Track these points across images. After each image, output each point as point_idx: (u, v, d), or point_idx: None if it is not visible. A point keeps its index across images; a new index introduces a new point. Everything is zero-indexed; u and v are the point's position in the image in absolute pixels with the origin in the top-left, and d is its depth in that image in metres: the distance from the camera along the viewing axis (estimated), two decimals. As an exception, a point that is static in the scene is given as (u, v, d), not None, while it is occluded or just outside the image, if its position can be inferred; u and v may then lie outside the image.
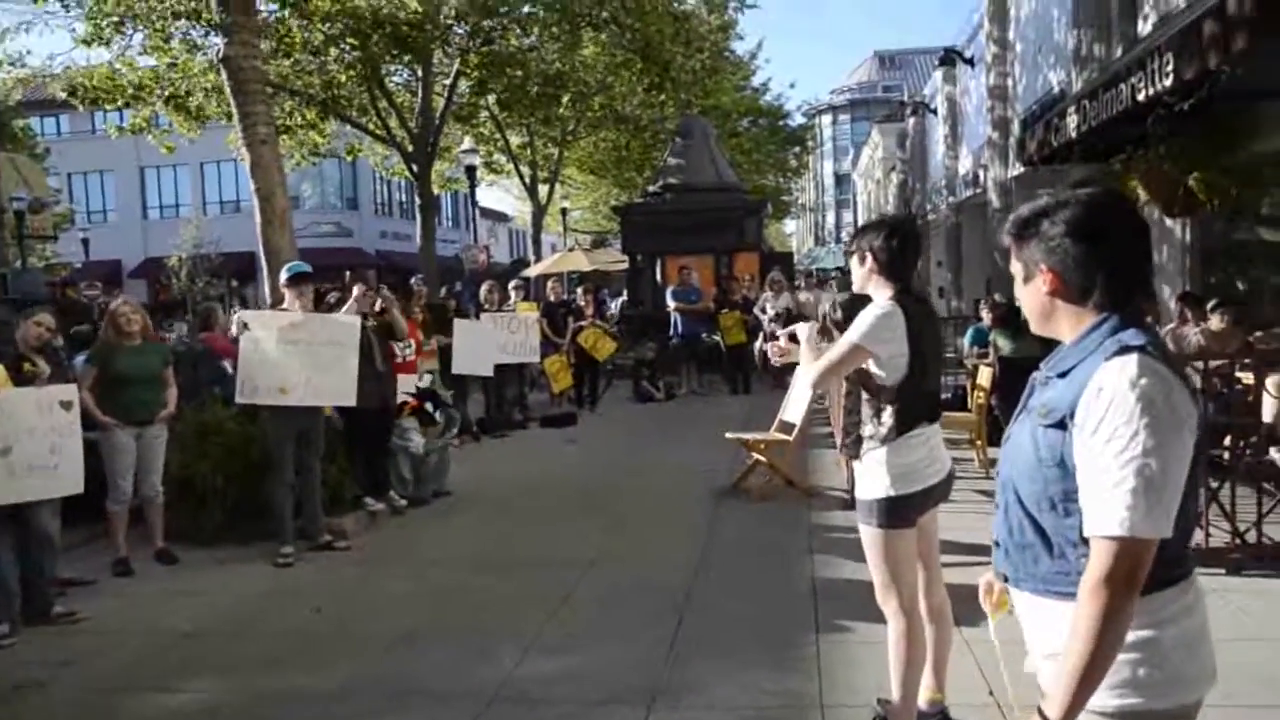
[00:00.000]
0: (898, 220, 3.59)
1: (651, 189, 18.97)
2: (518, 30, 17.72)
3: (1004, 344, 8.69)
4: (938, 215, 27.17)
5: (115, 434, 6.05)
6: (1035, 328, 1.87)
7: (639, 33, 16.88)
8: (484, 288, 11.86)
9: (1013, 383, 7.66)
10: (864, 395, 3.27)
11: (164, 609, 5.42)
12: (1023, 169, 14.60)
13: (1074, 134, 8.29)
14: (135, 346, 6.26)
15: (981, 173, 20.04)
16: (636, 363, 14.16)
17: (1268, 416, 5.58)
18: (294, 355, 6.41)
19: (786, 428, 7.72)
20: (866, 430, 3.26)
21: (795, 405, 7.73)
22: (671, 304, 14.31)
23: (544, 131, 24.27)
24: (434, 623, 4.99)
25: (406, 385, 8.11)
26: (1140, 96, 6.71)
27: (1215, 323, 7.54)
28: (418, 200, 18.99)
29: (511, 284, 13.00)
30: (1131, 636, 1.61)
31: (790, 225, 76.85)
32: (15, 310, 7.72)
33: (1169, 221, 10.03)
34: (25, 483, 5.20)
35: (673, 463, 9.13)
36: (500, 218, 51.55)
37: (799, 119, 39.89)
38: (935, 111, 26.74)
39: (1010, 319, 8.51)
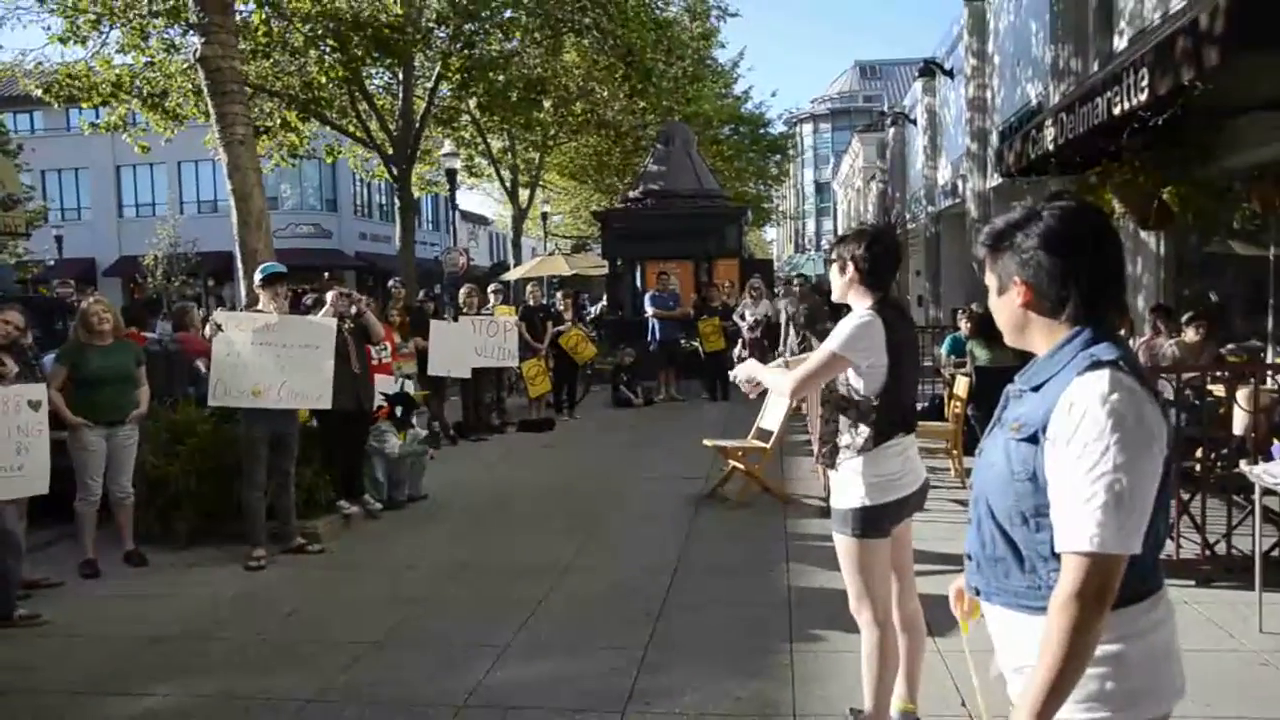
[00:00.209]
0: (879, 230, 3.59)
1: (632, 194, 18.98)
2: (499, 34, 17.70)
3: (981, 354, 8.75)
4: (917, 225, 27.33)
5: (84, 434, 5.96)
6: (1009, 340, 1.87)
7: (621, 39, 16.91)
8: (463, 291, 11.81)
9: (989, 392, 7.74)
10: (842, 405, 3.26)
11: (132, 612, 5.34)
12: (1001, 180, 14.71)
13: (1051, 146, 8.36)
14: (106, 346, 6.18)
15: (960, 183, 20.19)
16: (615, 368, 14.15)
17: (1238, 429, 5.63)
18: (268, 357, 6.34)
19: (764, 435, 7.73)
20: (844, 440, 3.25)
21: (772, 413, 7.74)
22: (650, 310, 14.31)
23: (525, 136, 24.25)
24: (406, 628, 4.95)
25: (384, 387, 8.07)
26: (1116, 110, 6.78)
27: (1190, 335, 7.62)
28: (397, 203, 18.92)
29: (491, 287, 12.96)
30: (1099, 650, 1.61)
31: (770, 232, 77.10)
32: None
33: (1143, 234, 10.14)
34: (-10, 483, 5.13)
35: (650, 469, 9.11)
36: (480, 221, 51.43)
37: (780, 127, 40.14)
38: (915, 122, 26.90)
39: (987, 329, 8.56)
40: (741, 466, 7.58)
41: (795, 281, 16.32)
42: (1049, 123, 8.47)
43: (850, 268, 3.26)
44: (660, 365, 14.39)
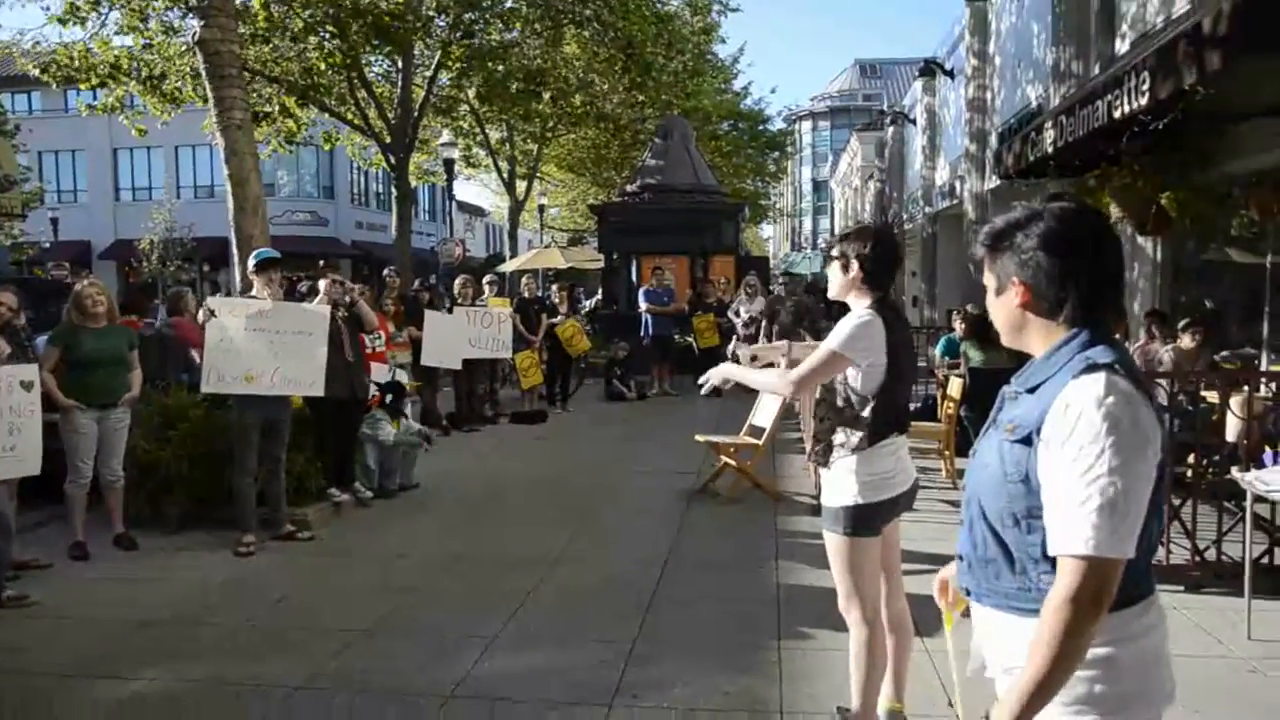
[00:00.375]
0: (883, 229, 3.57)
1: (630, 188, 18.96)
2: (499, 24, 17.65)
3: (975, 355, 8.75)
4: (914, 225, 27.35)
5: (76, 416, 5.94)
6: (1006, 340, 1.87)
7: (621, 32, 16.86)
8: (458, 281, 11.79)
9: (983, 394, 7.75)
10: (838, 404, 3.25)
11: (121, 595, 5.33)
12: (999, 182, 14.73)
13: (1050, 149, 8.37)
14: (100, 329, 6.16)
15: (958, 184, 20.20)
16: (609, 361, 14.15)
17: (1231, 435, 5.64)
18: (261, 343, 6.33)
19: (756, 432, 7.74)
20: (838, 438, 3.24)
21: (765, 410, 7.74)
22: (643, 305, 14.30)
23: (523, 127, 24.20)
24: (396, 617, 4.94)
25: (376, 376, 8.07)
26: (1116, 114, 6.79)
27: (1186, 341, 7.63)
28: (394, 191, 18.86)
29: (485, 278, 12.93)
30: (1090, 653, 1.61)
31: (767, 230, 77.11)
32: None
33: (1140, 239, 10.16)
34: (-18, 464, 5.11)
35: (642, 463, 9.12)
36: (477, 212, 51.34)
37: (779, 124, 40.12)
38: (914, 122, 26.91)
39: (981, 330, 8.57)
40: (733, 462, 7.58)
41: (781, 281, 16.30)
42: (1049, 125, 8.47)
43: (855, 266, 3.22)
44: (654, 360, 14.38)
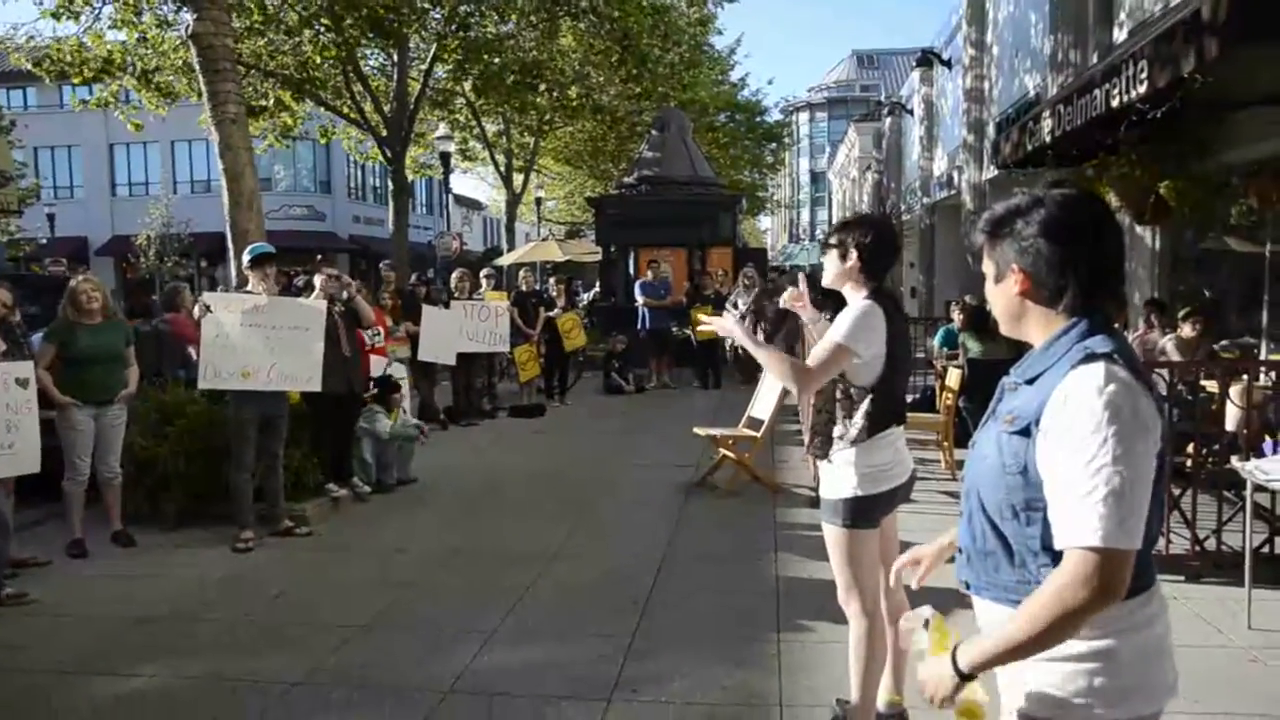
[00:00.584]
0: (882, 219, 3.53)
1: (627, 181, 18.92)
2: (495, 17, 17.57)
3: (973, 346, 8.74)
4: (912, 216, 27.32)
5: (72, 413, 5.92)
6: (1005, 329, 1.84)
7: (617, 24, 16.79)
8: (455, 275, 11.76)
9: (981, 385, 7.75)
10: (837, 395, 3.23)
11: (119, 592, 5.32)
12: (997, 172, 14.70)
13: (1048, 138, 8.34)
14: (95, 325, 6.13)
15: (956, 174, 20.17)
16: (607, 354, 14.14)
17: (1231, 425, 5.64)
18: (257, 339, 6.31)
19: (755, 424, 7.72)
20: (837, 430, 3.22)
21: (763, 402, 7.72)
22: (639, 298, 14.29)
23: (520, 120, 24.12)
24: (394, 611, 4.93)
25: (378, 370, 8.05)
26: (1114, 103, 6.75)
27: (1186, 331, 7.61)
28: (391, 185, 18.81)
29: (483, 272, 12.91)
30: (1090, 645, 1.60)
31: (765, 221, 77.10)
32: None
33: (1139, 228, 10.13)
34: (-19, 462, 5.10)
35: (640, 456, 9.11)
36: (474, 205, 51.26)
37: (776, 115, 40.03)
38: (911, 112, 26.87)
39: (979, 321, 8.56)
40: (732, 455, 7.57)
41: (775, 275, 16.26)
42: (1046, 114, 8.44)
43: (853, 254, 3.21)
44: (651, 353, 14.37)
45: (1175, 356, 7.34)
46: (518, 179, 28.00)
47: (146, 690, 4.06)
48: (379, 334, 8.52)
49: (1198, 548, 5.13)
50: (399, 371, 9.03)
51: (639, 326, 14.31)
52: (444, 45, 17.20)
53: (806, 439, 3.62)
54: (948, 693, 1.68)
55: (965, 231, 17.68)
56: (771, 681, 3.98)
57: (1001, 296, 1.79)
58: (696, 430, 8.06)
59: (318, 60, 16.65)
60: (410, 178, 21.10)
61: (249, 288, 6.59)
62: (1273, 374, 6.12)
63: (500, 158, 27.20)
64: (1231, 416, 5.60)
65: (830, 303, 3.45)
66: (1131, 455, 1.53)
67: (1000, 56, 17.40)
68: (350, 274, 9.36)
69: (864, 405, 3.16)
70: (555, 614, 4.86)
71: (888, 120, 33.38)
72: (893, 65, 61.40)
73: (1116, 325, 1.75)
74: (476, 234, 49.84)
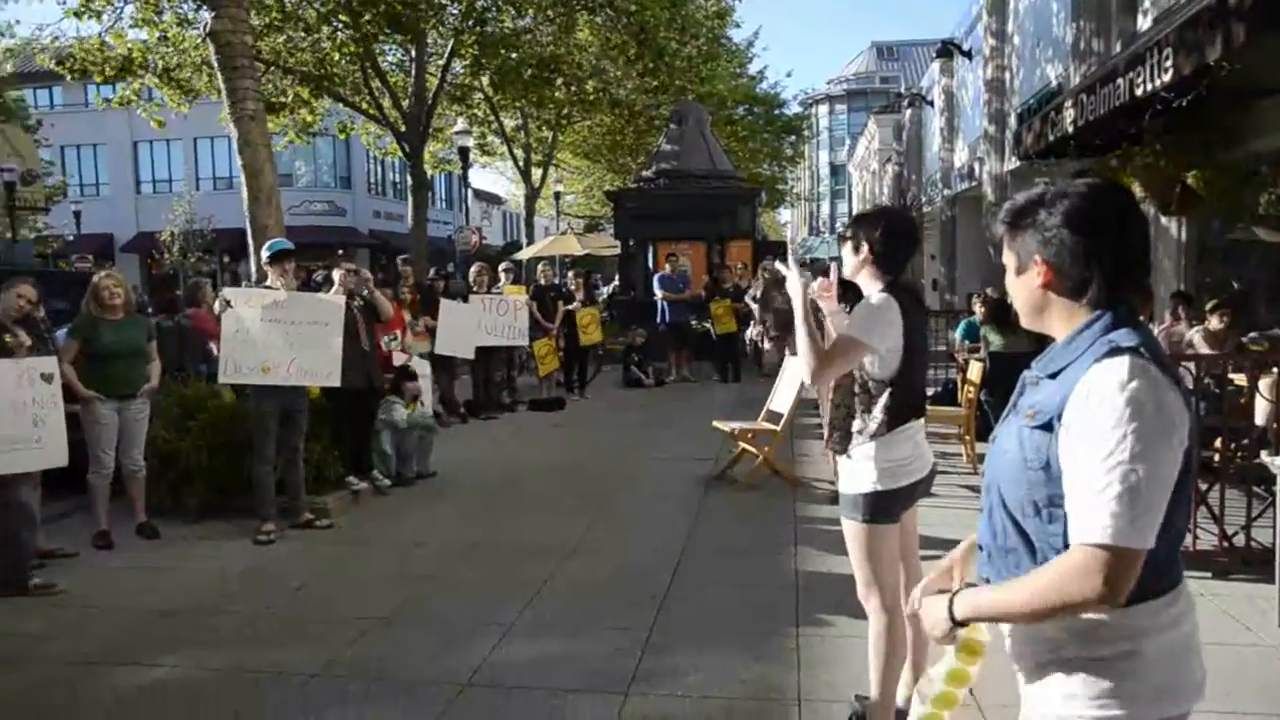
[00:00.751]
0: (897, 212, 3.50)
1: (646, 174, 18.88)
2: (512, 11, 17.58)
3: (995, 339, 8.67)
4: (932, 208, 27.16)
5: (96, 407, 5.99)
6: (1026, 322, 1.79)
7: (634, 17, 16.76)
8: (473, 269, 11.79)
9: (1003, 378, 7.68)
10: (855, 389, 3.20)
11: (143, 583, 5.37)
12: (1019, 163, 14.57)
13: (1070, 129, 8.24)
14: (118, 320, 6.18)
15: (977, 166, 20.02)
16: (626, 348, 14.14)
17: (1260, 419, 5.55)
18: (277, 334, 6.34)
19: (774, 418, 7.69)
20: (856, 425, 3.19)
21: (783, 395, 7.69)
22: (658, 291, 14.27)
23: (538, 114, 24.15)
24: (412, 605, 4.94)
25: (397, 360, 8.09)
26: (1138, 92, 6.67)
27: (1214, 323, 7.52)
28: (410, 180, 18.86)
29: (501, 266, 12.93)
30: (1114, 648, 1.57)
31: (784, 214, 76.75)
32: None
33: (1164, 219, 10.01)
34: (8, 456, 5.17)
35: (660, 449, 9.10)
36: (494, 200, 51.36)
37: (795, 108, 39.84)
38: (932, 104, 26.70)
39: (1001, 314, 8.48)
40: (751, 449, 7.54)
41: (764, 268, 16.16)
42: (1069, 104, 8.35)
43: (865, 248, 3.19)
44: (671, 346, 14.36)
45: (1203, 349, 7.24)
46: (536, 173, 28.04)
47: (169, 681, 4.09)
48: (395, 339, 8.54)
49: (1226, 544, 5.06)
50: (422, 368, 9.06)
51: (658, 320, 14.29)
52: (461, 40, 17.22)
53: (825, 433, 3.59)
54: (942, 634, 1.73)
55: (986, 223, 17.56)
56: (790, 676, 3.96)
57: (1023, 289, 1.75)
58: (716, 424, 8.03)
59: (336, 57, 16.73)
60: (429, 173, 21.19)
61: (268, 283, 6.62)
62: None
63: (519, 152, 27.24)
64: (1260, 410, 5.52)
65: (851, 295, 3.42)
66: (1151, 452, 1.48)
67: (1021, 46, 17.25)
68: (370, 269, 9.37)
69: (882, 399, 3.13)
70: (573, 607, 4.86)
71: (908, 112, 33.19)
72: (912, 56, 61.07)
73: (1141, 318, 1.70)
74: (496, 228, 49.97)
